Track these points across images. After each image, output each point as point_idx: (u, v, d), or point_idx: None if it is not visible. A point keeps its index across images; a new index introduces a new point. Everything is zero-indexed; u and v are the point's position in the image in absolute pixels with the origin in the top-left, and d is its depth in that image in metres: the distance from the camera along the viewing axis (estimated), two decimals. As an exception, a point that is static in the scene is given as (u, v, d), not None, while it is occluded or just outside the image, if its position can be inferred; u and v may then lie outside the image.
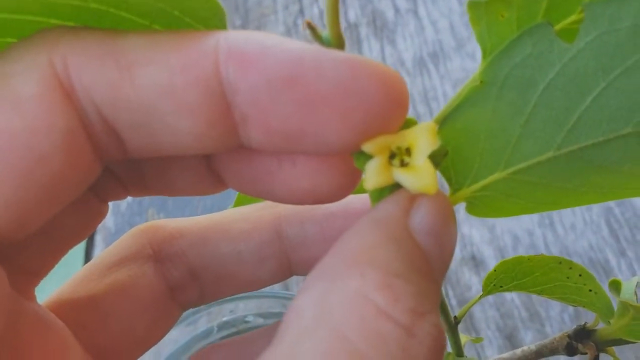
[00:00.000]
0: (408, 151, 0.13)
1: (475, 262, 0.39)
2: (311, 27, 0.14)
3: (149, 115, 0.12)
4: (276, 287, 0.36)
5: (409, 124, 0.13)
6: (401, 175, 0.13)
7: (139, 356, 0.17)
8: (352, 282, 0.11)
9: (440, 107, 0.42)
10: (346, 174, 0.14)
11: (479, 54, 0.45)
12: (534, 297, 0.37)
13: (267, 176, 0.14)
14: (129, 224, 0.41)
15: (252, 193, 0.15)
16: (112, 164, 0.14)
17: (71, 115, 0.12)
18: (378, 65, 0.12)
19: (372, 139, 0.13)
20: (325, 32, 0.14)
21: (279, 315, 0.30)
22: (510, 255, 0.39)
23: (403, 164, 0.13)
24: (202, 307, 0.29)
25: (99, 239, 0.42)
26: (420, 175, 0.13)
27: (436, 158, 0.14)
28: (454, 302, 0.38)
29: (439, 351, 0.11)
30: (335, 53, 0.12)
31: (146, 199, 0.42)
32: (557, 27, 0.14)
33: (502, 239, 0.39)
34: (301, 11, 0.50)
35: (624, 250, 0.37)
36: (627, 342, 0.22)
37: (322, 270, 0.12)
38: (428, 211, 0.13)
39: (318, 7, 0.49)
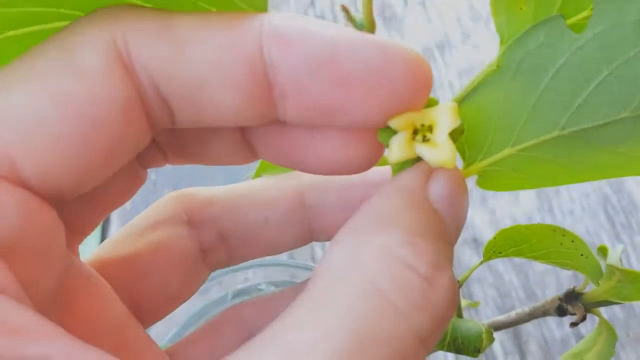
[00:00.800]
0: (430, 128, 0.14)
1: (476, 243, 0.41)
2: (346, 10, 0.15)
3: (198, 88, 0.13)
4: (283, 257, 0.38)
5: (431, 103, 0.15)
6: (423, 150, 0.14)
7: (170, 311, 0.18)
8: (380, 238, 0.13)
9: (446, 94, 0.44)
10: (372, 148, 0.15)
11: (483, 45, 0.46)
12: (532, 278, 0.39)
13: (300, 149, 0.15)
14: (143, 204, 0.43)
15: (283, 164, 0.16)
16: (158, 133, 0.16)
17: (130, 88, 0.13)
18: (406, 49, 0.13)
19: (398, 115, 0.14)
20: (359, 16, 0.15)
21: (290, 283, 0.32)
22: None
23: (425, 140, 0.14)
24: (214, 275, 0.30)
25: (114, 216, 0.43)
26: (441, 151, 0.14)
27: (454, 135, 0.15)
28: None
29: (454, 300, 0.13)
30: (367, 37, 0.13)
31: (160, 180, 0.44)
32: (570, 21, 0.15)
33: (503, 222, 0.41)
34: (312, 2, 0.51)
35: (618, 234, 0.39)
36: (613, 303, 0.24)
37: (352, 228, 0.13)
38: (444, 182, 0.14)
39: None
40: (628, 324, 0.37)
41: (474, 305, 0.34)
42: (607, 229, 0.39)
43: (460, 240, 0.40)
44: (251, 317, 0.18)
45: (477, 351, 0.25)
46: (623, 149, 0.15)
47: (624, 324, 0.37)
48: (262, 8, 0.14)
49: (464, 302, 0.27)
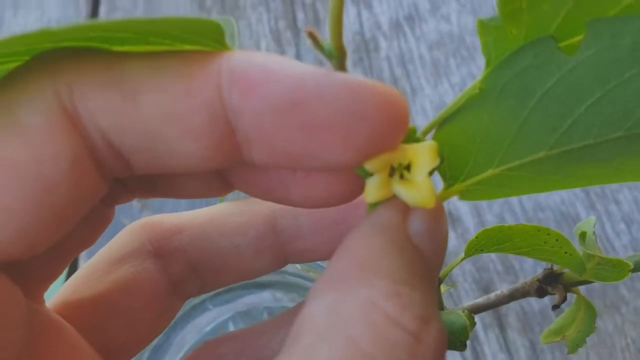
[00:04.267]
0: (408, 166, 0.14)
1: (452, 218, 0.40)
2: (313, 37, 0.14)
3: (154, 140, 0.12)
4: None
5: (409, 134, 0.14)
6: (401, 190, 0.13)
7: (142, 348, 0.18)
8: (362, 290, 0.12)
9: (417, 69, 0.43)
10: (356, 181, 0.14)
11: (453, 16, 0.45)
12: (509, 251, 0.39)
13: (281, 186, 0.14)
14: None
15: (265, 199, 0.15)
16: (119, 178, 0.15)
17: (77, 143, 0.12)
18: (378, 86, 0.12)
19: (373, 158, 0.13)
20: (327, 42, 0.14)
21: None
22: (485, 211, 0.40)
23: (402, 177, 0.14)
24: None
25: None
26: (420, 191, 0.13)
27: (432, 169, 0.14)
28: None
29: (443, 353, 0.12)
30: (336, 75, 0.12)
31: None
32: (563, 44, 0.14)
33: (478, 195, 0.40)
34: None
35: (593, 203, 0.39)
36: (591, 282, 0.25)
37: (331, 278, 0.13)
38: (424, 216, 0.14)
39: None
40: (605, 292, 0.37)
41: (452, 286, 0.34)
42: (581, 199, 0.39)
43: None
44: (229, 355, 0.17)
45: (463, 345, 0.25)
46: (616, 163, 0.14)
47: (600, 294, 0.37)
48: (222, 45, 0.13)
49: (443, 288, 0.27)
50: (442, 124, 0.15)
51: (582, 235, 0.24)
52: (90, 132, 0.12)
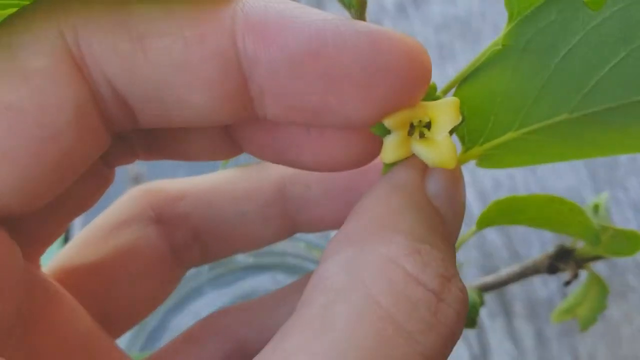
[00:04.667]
0: (428, 124, 0.13)
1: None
2: None
3: (162, 89, 0.12)
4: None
5: (429, 91, 0.13)
6: (421, 149, 0.13)
7: (143, 318, 0.17)
8: (381, 247, 0.11)
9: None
10: (372, 141, 0.14)
11: (460, -2, 0.44)
12: (515, 238, 0.38)
13: (293, 147, 0.14)
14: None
15: (275, 162, 0.14)
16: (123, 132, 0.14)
17: (82, 89, 0.12)
18: (401, 38, 0.12)
19: (393, 113, 0.12)
20: None
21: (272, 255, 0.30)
22: (491, 197, 0.40)
23: (422, 137, 0.13)
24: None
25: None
26: (440, 150, 0.13)
27: (453, 128, 0.14)
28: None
29: (464, 314, 0.12)
30: (357, 25, 0.12)
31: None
32: None
33: (483, 182, 0.40)
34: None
35: (601, 189, 0.38)
36: (604, 258, 0.25)
37: (348, 236, 0.12)
38: (443, 177, 0.13)
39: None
40: (612, 280, 0.36)
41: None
42: (589, 186, 0.39)
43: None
44: (235, 325, 0.17)
45: (474, 322, 0.24)
46: (634, 129, 0.14)
47: (607, 281, 0.37)
48: None
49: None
50: (462, 82, 0.14)
51: (596, 207, 0.24)
52: (96, 79, 0.12)
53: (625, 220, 0.38)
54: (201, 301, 0.30)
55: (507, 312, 0.37)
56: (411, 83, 0.12)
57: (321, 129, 0.13)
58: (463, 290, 0.12)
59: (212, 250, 0.17)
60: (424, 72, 0.12)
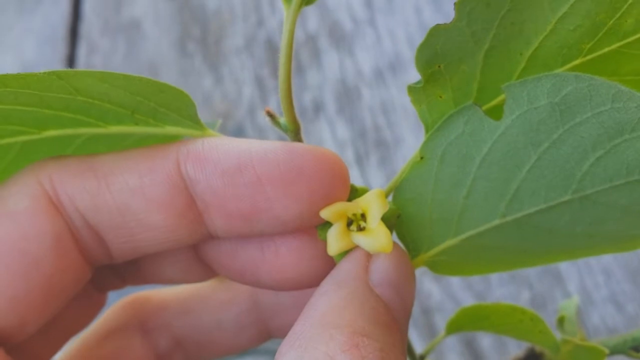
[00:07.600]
0: (363, 217, 0.15)
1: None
2: (270, 115, 0.16)
3: (125, 214, 0.14)
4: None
5: (361, 192, 0.15)
6: (359, 239, 0.15)
7: None
8: (322, 346, 0.12)
9: (399, 118, 0.43)
10: (324, 262, 0.15)
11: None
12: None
13: (252, 266, 0.15)
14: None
15: (240, 282, 0.16)
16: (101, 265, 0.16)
17: (59, 222, 0.14)
18: (315, 147, 0.14)
19: (327, 207, 0.14)
20: (282, 119, 0.16)
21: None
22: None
23: (360, 229, 0.15)
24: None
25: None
26: (376, 237, 0.14)
27: (390, 220, 0.15)
28: (416, 309, 0.39)
29: None
30: (279, 143, 0.14)
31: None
32: (489, 105, 0.15)
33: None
34: (260, 22, 0.49)
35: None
36: None
37: (294, 338, 0.13)
38: (386, 264, 0.14)
39: (276, 19, 0.49)
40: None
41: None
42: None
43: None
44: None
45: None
46: (580, 230, 0.14)
47: None
48: (198, 123, 0.15)
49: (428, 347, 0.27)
50: (396, 191, 0.15)
51: (561, 320, 0.25)
52: (70, 212, 0.14)
53: (596, 286, 0.38)
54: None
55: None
56: (329, 180, 0.14)
57: (275, 249, 0.15)
58: None
59: (193, 356, 0.19)
60: (340, 170, 0.14)
